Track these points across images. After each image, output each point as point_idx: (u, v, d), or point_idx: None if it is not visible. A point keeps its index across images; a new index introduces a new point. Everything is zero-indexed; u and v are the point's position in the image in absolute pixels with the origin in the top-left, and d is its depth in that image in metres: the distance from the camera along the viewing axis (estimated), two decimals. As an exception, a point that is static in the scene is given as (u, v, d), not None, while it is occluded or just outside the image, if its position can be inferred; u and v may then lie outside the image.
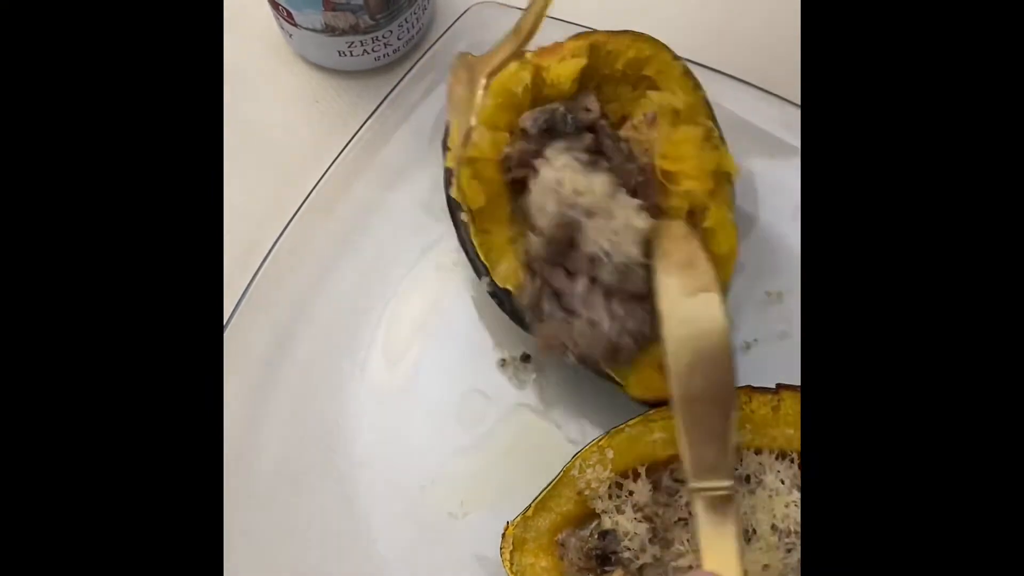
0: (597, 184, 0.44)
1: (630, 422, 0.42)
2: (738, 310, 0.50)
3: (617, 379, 0.44)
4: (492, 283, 0.46)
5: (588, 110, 0.47)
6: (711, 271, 0.42)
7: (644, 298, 0.45)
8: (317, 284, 0.50)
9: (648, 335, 0.44)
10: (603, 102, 0.48)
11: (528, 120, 0.46)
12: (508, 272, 0.45)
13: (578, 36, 0.47)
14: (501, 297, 0.46)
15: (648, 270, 0.44)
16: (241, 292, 0.49)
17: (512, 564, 0.41)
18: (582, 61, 0.46)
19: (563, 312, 0.44)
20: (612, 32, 0.47)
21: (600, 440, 0.42)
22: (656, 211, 0.46)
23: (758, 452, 0.42)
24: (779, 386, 0.43)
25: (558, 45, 0.47)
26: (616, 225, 0.44)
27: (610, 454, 0.41)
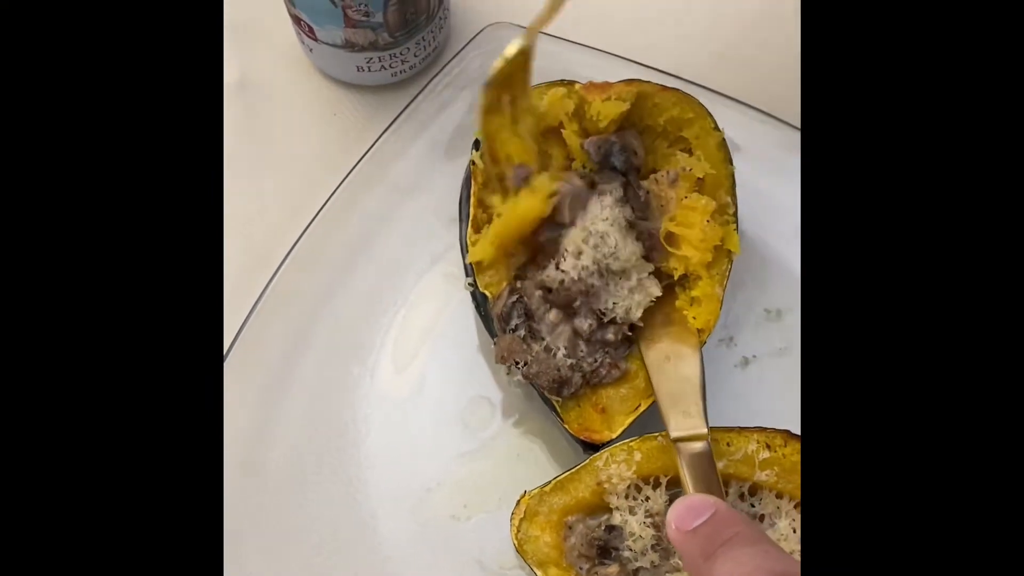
0: (633, 254, 0.46)
1: (664, 432, 0.43)
2: (738, 327, 0.52)
3: (558, 409, 0.46)
4: (474, 284, 0.48)
5: (636, 153, 0.49)
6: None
7: (611, 345, 0.47)
8: (330, 290, 0.52)
9: (603, 378, 0.46)
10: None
11: (592, 146, 0.48)
12: (492, 281, 0.47)
13: (629, 82, 0.49)
14: (478, 299, 0.48)
15: (633, 329, 0.47)
16: (256, 298, 0.50)
17: (518, 531, 0.42)
18: (626, 105, 0.48)
19: (528, 332, 0.46)
20: (662, 86, 0.49)
21: (632, 441, 0.43)
22: (658, 273, 0.48)
23: (779, 496, 0.43)
24: None
25: (607, 84, 0.48)
26: (631, 284, 0.46)
27: (637, 456, 0.43)
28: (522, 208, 0.45)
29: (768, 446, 0.42)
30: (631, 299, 0.46)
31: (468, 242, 0.48)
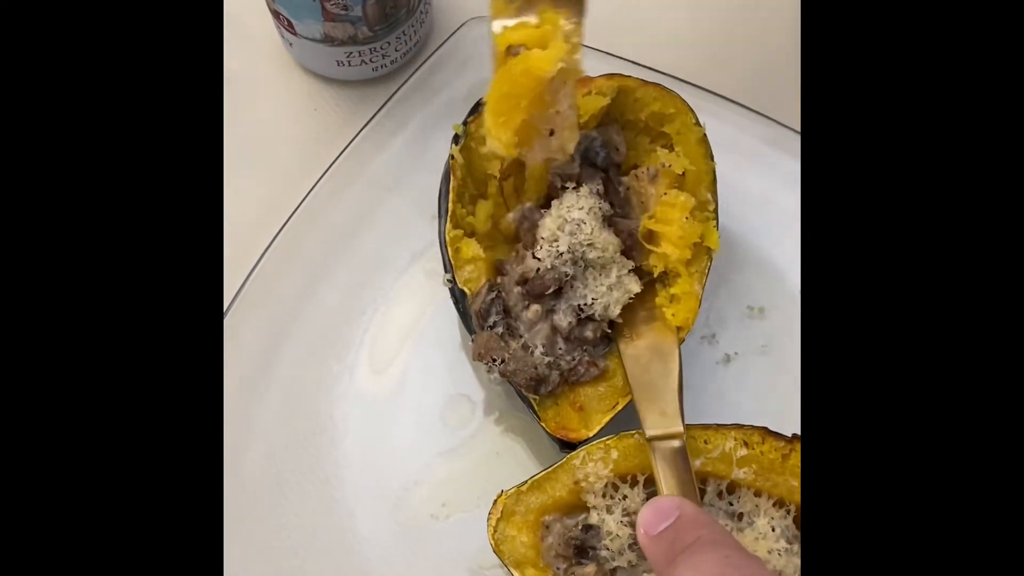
0: (610, 244, 0.46)
1: (641, 430, 0.43)
2: (721, 323, 0.51)
3: (535, 407, 0.45)
4: (452, 280, 0.47)
5: (617, 150, 0.48)
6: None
7: (590, 343, 0.46)
8: (309, 287, 0.51)
9: (581, 375, 0.45)
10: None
11: None
12: (471, 276, 0.47)
13: (610, 76, 0.48)
14: (457, 296, 0.48)
15: (612, 326, 0.46)
16: (234, 294, 0.50)
17: (495, 531, 0.42)
18: (606, 100, 0.47)
19: (506, 329, 0.46)
20: (643, 81, 0.48)
21: (609, 439, 0.43)
22: (639, 271, 0.47)
23: (757, 494, 0.42)
24: (795, 436, 0.43)
25: (588, 79, 0.48)
26: (610, 281, 0.45)
27: (614, 455, 0.42)
28: (529, 61, 0.41)
29: (746, 443, 0.42)
30: (610, 296, 0.45)
31: (447, 237, 0.47)
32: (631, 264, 0.46)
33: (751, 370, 0.50)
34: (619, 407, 0.45)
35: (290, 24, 0.53)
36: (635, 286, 0.46)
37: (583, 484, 0.42)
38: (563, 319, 0.45)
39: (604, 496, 0.42)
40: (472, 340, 0.46)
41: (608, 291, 0.45)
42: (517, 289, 0.46)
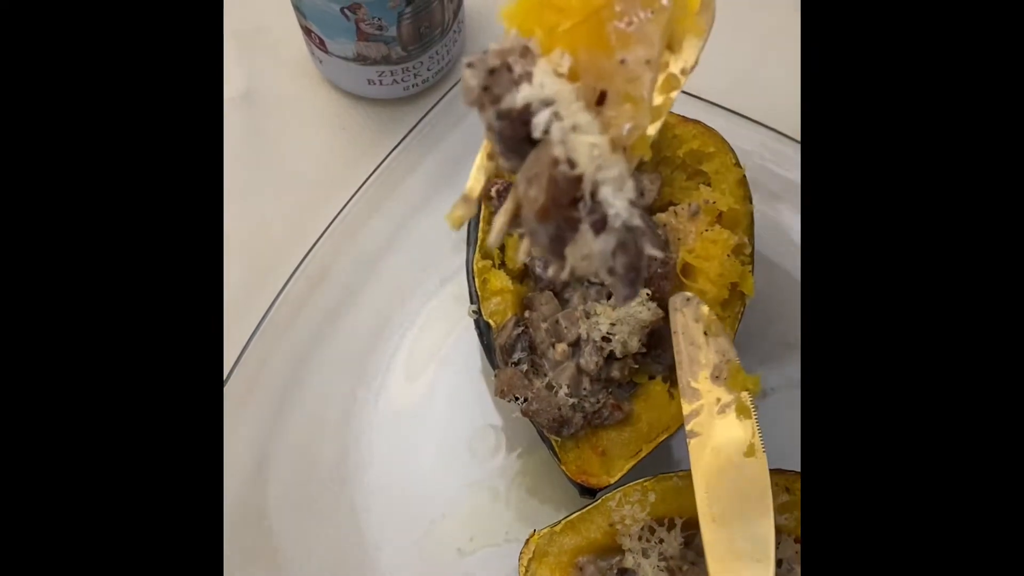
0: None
1: (680, 473, 0.42)
2: (757, 358, 0.50)
3: (556, 449, 0.44)
4: (478, 311, 0.46)
5: (642, 194, 0.47)
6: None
7: (616, 383, 0.45)
8: (336, 311, 0.50)
9: (604, 419, 0.44)
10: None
11: None
12: (497, 309, 0.45)
13: None
14: (481, 328, 0.46)
15: (639, 360, 0.44)
16: (259, 318, 0.48)
17: (527, 571, 0.41)
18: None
19: (530, 366, 0.44)
20: (684, 117, 0.47)
21: (646, 481, 0.42)
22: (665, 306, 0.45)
23: (798, 540, 0.41)
24: None
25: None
26: (620, 313, 0.44)
27: (652, 497, 0.41)
28: None
29: (787, 489, 0.41)
30: (624, 326, 0.43)
31: (475, 267, 0.46)
32: (644, 291, 0.44)
33: (787, 407, 0.49)
34: (642, 454, 0.43)
35: (322, 42, 0.52)
36: (646, 314, 0.43)
37: (619, 526, 0.41)
38: (589, 361, 0.44)
39: (640, 539, 0.41)
40: (495, 375, 0.45)
41: (619, 322, 0.43)
42: (544, 325, 0.45)
